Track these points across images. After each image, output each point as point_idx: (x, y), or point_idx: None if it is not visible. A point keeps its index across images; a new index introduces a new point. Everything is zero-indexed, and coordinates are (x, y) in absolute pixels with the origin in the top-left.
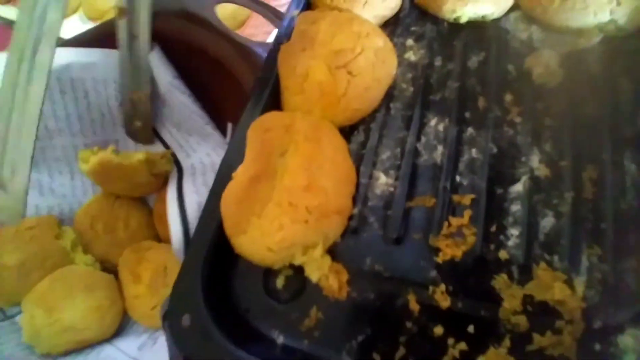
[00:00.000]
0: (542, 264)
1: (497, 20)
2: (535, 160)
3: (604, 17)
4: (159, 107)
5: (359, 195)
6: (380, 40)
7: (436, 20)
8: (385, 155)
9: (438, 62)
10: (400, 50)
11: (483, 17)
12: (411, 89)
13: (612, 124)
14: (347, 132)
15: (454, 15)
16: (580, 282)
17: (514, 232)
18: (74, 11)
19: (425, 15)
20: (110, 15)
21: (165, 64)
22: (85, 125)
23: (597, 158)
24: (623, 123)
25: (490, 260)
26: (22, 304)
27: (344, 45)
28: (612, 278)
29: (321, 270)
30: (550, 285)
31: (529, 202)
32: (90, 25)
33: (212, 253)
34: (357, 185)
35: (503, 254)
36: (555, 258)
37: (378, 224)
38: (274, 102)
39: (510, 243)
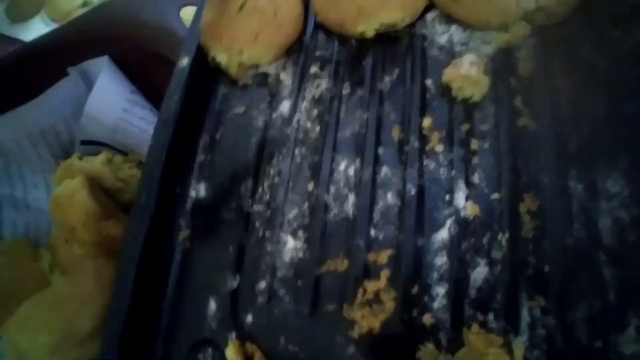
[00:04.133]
0: (474, 326)
1: (411, 27)
2: (461, 198)
3: (529, 4)
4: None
5: (267, 265)
6: None
7: (343, 39)
8: (292, 214)
9: (346, 90)
10: (304, 82)
11: (393, 26)
12: (317, 128)
13: (553, 137)
14: (250, 191)
15: (359, 31)
16: (520, 344)
17: (440, 290)
18: (37, 12)
19: (330, 36)
20: (74, 15)
21: (120, 79)
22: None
23: (537, 184)
24: (566, 134)
25: (414, 328)
26: (3, 331)
27: None
28: (559, 333)
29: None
30: (484, 351)
31: (456, 251)
32: (53, 26)
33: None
34: (265, 253)
35: (428, 319)
36: (490, 317)
37: (289, 297)
38: None
39: (436, 305)
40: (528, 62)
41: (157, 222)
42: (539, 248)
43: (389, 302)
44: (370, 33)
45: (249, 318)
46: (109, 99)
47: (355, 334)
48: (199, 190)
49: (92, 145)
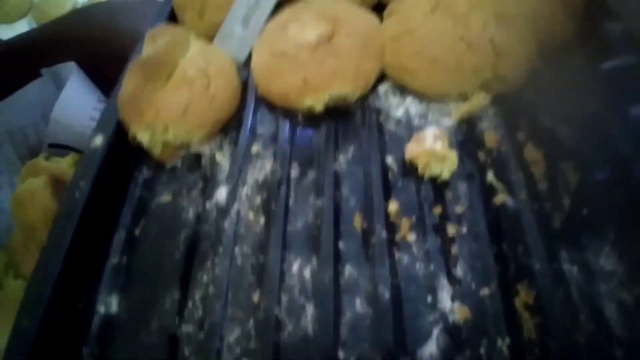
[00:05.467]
0: None
1: (363, 100)
2: (445, 298)
3: (486, 73)
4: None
5: None
6: None
7: (288, 114)
8: (233, 335)
9: (295, 172)
10: (245, 163)
11: (344, 99)
12: (262, 219)
13: (534, 214)
14: (177, 305)
15: (306, 105)
16: None
17: None
18: (24, 15)
19: (274, 110)
20: None
21: (88, 88)
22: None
23: (529, 271)
24: (547, 209)
25: None
26: None
27: None
28: None
29: None
30: None
31: None
32: None
33: None
34: None
35: None
36: None
37: None
38: None
39: None
40: (493, 133)
41: (47, 353)
42: (546, 351)
43: None
44: (319, 107)
45: None
46: (76, 107)
47: None
48: (109, 304)
49: (60, 149)
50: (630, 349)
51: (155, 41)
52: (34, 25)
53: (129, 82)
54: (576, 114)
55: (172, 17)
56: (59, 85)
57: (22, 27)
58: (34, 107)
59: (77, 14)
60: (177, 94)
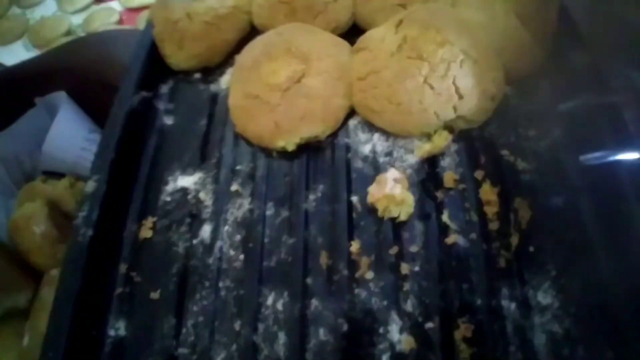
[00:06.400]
0: None
1: (333, 136)
2: (395, 330)
3: (449, 115)
4: None
5: None
6: None
7: (264, 150)
8: (220, 357)
9: (270, 210)
10: (226, 203)
11: (315, 137)
12: (241, 256)
13: (482, 253)
14: (174, 330)
15: (279, 145)
16: None
17: None
18: (19, 37)
19: (251, 145)
20: (56, 43)
21: (78, 118)
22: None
23: (470, 307)
24: (494, 249)
25: None
26: None
27: None
28: None
29: None
30: None
31: None
32: (34, 52)
33: None
34: None
35: None
36: None
37: None
38: None
39: None
40: (452, 172)
41: None
42: None
43: None
44: (291, 147)
45: None
46: (67, 138)
47: None
48: (118, 328)
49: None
50: None
51: None
52: (30, 47)
53: None
54: (537, 148)
55: (154, 48)
56: (52, 113)
57: (18, 48)
58: (28, 135)
59: (71, 44)
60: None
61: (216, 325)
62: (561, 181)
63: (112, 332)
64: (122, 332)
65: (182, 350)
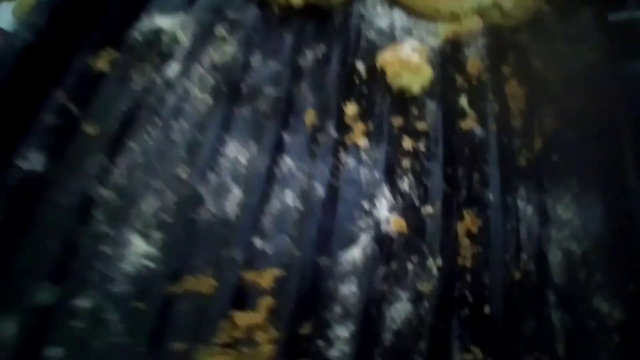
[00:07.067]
0: None
1: (347, 4)
2: (383, 208)
3: None
4: None
5: (99, 275)
6: None
7: (263, 3)
8: (149, 205)
9: (257, 61)
10: (205, 44)
11: None
12: (210, 100)
13: (501, 146)
14: (100, 169)
15: None
16: None
17: (342, 332)
18: None
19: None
20: None
21: None
22: None
23: (481, 200)
24: (515, 146)
25: None
26: None
27: None
28: None
29: None
30: None
31: (370, 278)
32: None
33: None
34: (100, 256)
35: None
36: None
37: (122, 326)
38: None
39: (335, 353)
40: (478, 61)
41: None
42: (479, 282)
43: (266, 345)
44: (297, 0)
45: (57, 352)
46: None
47: None
48: (34, 160)
49: None
50: (565, 298)
51: None
52: None
53: None
54: (569, 64)
55: None
56: None
57: None
58: None
59: None
60: None
61: (156, 168)
62: (597, 105)
63: (25, 165)
64: (38, 167)
65: (105, 193)
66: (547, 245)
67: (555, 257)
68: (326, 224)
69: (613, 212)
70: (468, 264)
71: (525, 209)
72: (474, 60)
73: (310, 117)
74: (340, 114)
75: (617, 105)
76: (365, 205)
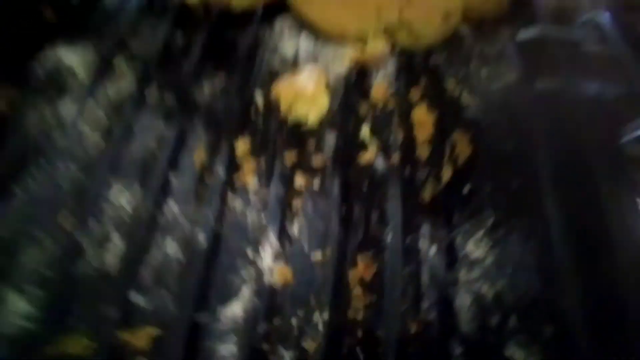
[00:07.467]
0: None
1: (253, 26)
2: (268, 256)
3: (391, 16)
4: None
5: None
6: None
7: (171, 32)
8: (29, 258)
9: (153, 95)
10: (102, 76)
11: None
12: (102, 141)
13: (404, 181)
14: None
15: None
16: None
17: None
18: None
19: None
20: None
21: None
22: None
23: (377, 241)
24: (419, 178)
25: None
26: None
27: None
28: None
29: None
30: None
31: (250, 336)
32: None
33: None
34: None
35: None
36: None
37: None
38: None
39: None
40: (384, 86)
41: None
42: (372, 337)
43: None
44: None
45: None
46: None
47: None
48: None
49: None
50: (473, 348)
51: None
52: None
53: None
54: (486, 86)
55: None
56: None
57: None
58: None
59: None
60: None
61: (36, 215)
62: (512, 126)
63: None
64: None
65: None
66: (454, 290)
67: (463, 302)
68: (207, 275)
69: (530, 244)
70: (359, 316)
71: (428, 249)
72: (379, 86)
73: (200, 155)
74: (231, 151)
75: (530, 126)
76: (249, 253)
